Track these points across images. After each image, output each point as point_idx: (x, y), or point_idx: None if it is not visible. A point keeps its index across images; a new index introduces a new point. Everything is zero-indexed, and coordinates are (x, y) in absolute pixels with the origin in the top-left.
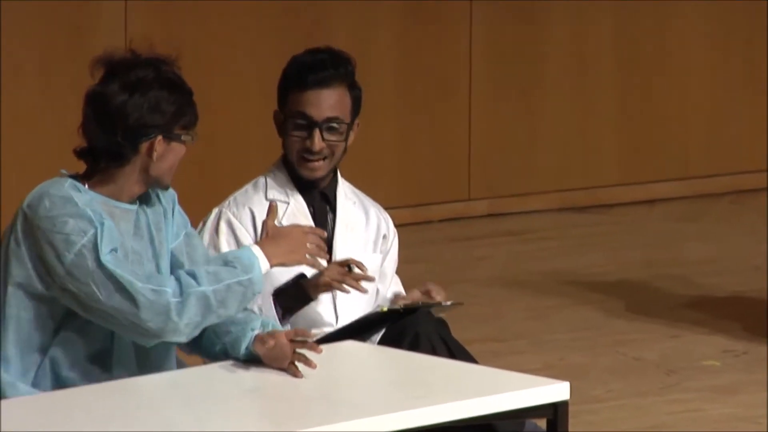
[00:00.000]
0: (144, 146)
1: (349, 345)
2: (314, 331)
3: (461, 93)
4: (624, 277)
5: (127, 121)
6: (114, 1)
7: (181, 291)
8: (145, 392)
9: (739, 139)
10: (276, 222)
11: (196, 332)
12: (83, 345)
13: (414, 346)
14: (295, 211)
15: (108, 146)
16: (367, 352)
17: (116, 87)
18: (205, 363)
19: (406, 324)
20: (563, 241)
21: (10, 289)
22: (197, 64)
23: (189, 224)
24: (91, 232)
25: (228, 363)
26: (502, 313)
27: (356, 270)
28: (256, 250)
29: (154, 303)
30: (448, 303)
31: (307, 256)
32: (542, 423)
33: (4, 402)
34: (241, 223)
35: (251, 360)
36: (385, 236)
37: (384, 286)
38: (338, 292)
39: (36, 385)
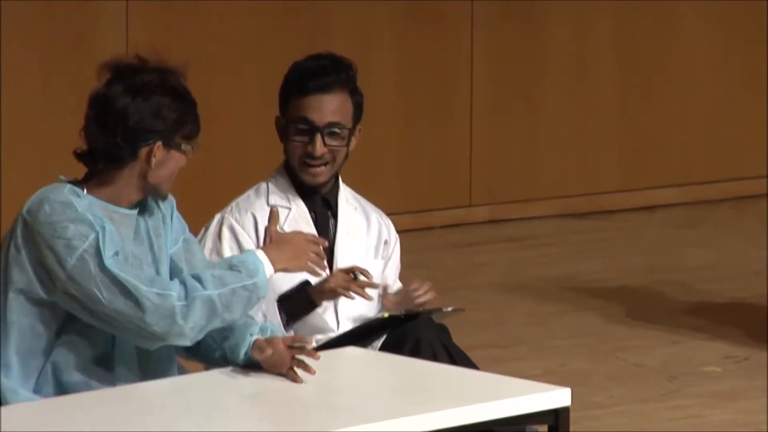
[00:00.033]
0: (143, 151)
1: (350, 351)
2: (317, 337)
3: (462, 99)
4: (625, 283)
5: (128, 123)
6: (115, 1)
7: (186, 294)
8: (145, 398)
9: (738, 146)
10: (278, 227)
11: (201, 336)
12: (84, 349)
13: (415, 352)
14: (297, 216)
15: (107, 148)
16: (368, 358)
17: (120, 89)
18: (206, 369)
19: (407, 330)
20: (564, 247)
21: (11, 295)
22: (198, 65)
23: (187, 230)
24: (92, 236)
25: (228, 369)
26: (503, 319)
27: (361, 277)
28: (261, 255)
29: (159, 306)
30: (449, 309)
31: (309, 263)
32: (543, 429)
33: (4, 408)
34: (243, 228)
35: (251, 365)
36: (386, 242)
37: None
38: (340, 299)
39: (38, 390)
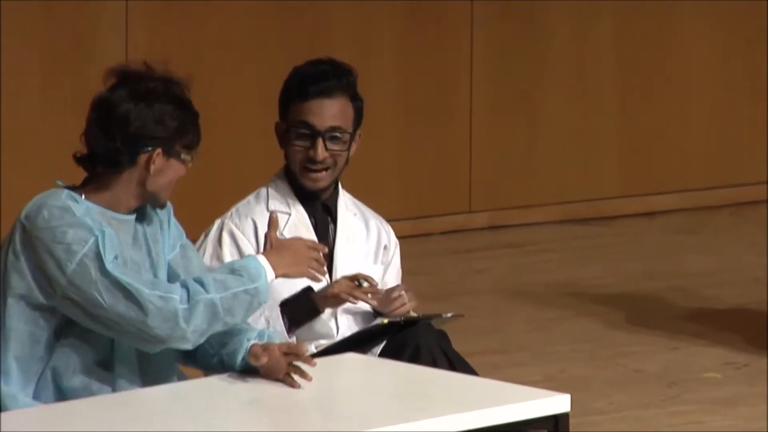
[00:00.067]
0: (142, 158)
1: (350, 357)
2: (317, 342)
3: (462, 101)
4: (625, 289)
5: (129, 128)
6: (115, 1)
7: (189, 297)
8: (145, 404)
9: (738, 152)
10: (278, 233)
11: (202, 339)
12: (84, 354)
13: (415, 358)
14: (297, 222)
15: (107, 152)
16: (368, 364)
17: (124, 94)
18: (205, 374)
19: (406, 336)
20: (564, 253)
21: (10, 301)
22: (197, 65)
23: (184, 236)
24: (92, 240)
25: (228, 375)
26: (503, 325)
27: (365, 284)
28: (262, 260)
29: (162, 310)
30: (449, 315)
31: (309, 269)
32: None
33: (4, 414)
34: (243, 234)
35: (249, 371)
36: (386, 247)
37: None
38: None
39: (37, 396)
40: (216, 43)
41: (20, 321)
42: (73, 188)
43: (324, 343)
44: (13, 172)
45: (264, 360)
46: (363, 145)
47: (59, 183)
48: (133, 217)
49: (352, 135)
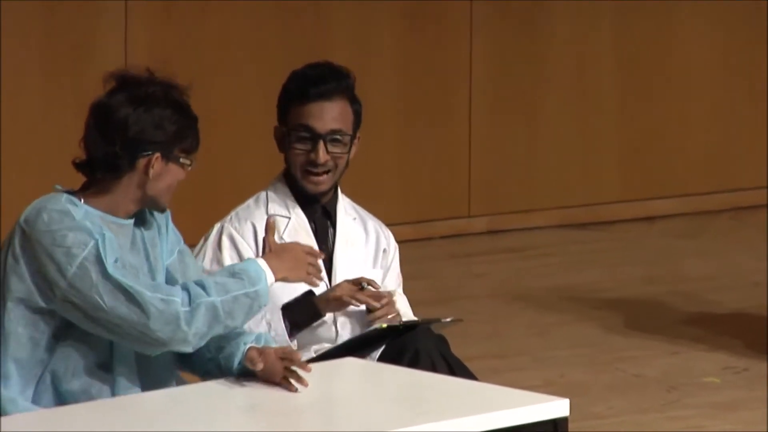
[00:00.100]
0: (141, 162)
1: (349, 362)
2: (316, 347)
3: (462, 106)
4: (624, 294)
5: (128, 133)
6: (115, 1)
7: (190, 301)
8: (145, 408)
9: (738, 156)
10: (277, 237)
11: (202, 342)
12: (83, 358)
13: (414, 362)
14: (297, 226)
15: (106, 157)
16: (367, 368)
17: (122, 99)
18: (203, 379)
19: (405, 341)
20: (563, 257)
21: (10, 305)
22: (197, 65)
23: (182, 241)
24: (92, 243)
25: (227, 379)
26: (503, 330)
27: (368, 288)
28: (262, 263)
29: (164, 312)
30: (448, 320)
31: (308, 274)
32: None
33: (4, 419)
34: (243, 237)
35: (247, 375)
36: (385, 250)
37: None
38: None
39: (36, 400)
40: (216, 43)
41: (19, 324)
42: (72, 192)
43: (323, 347)
44: (13, 172)
45: (260, 366)
46: (362, 149)
47: (58, 187)
48: (131, 221)
49: (352, 137)
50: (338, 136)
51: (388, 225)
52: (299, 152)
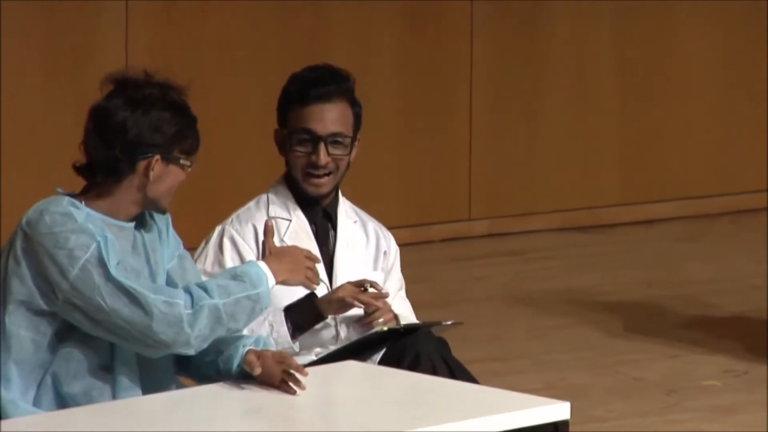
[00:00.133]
0: (141, 164)
1: (350, 365)
2: (317, 350)
3: (462, 106)
4: (624, 297)
5: (127, 136)
6: (115, 1)
7: (193, 303)
8: (145, 412)
9: (738, 160)
10: (278, 239)
11: (204, 345)
12: (84, 360)
13: (414, 365)
14: (297, 228)
15: (106, 160)
16: (368, 371)
17: (120, 102)
18: (201, 383)
19: (406, 343)
20: (564, 261)
21: (11, 308)
22: (197, 66)
23: (182, 246)
24: (94, 246)
25: (227, 382)
26: (503, 333)
27: (371, 289)
28: (263, 266)
29: (167, 315)
30: (449, 323)
31: (306, 278)
32: None
33: (4, 422)
34: (244, 239)
35: (247, 378)
36: (385, 253)
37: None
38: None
39: (37, 402)
40: (216, 42)
41: (21, 327)
42: (73, 195)
43: (325, 350)
44: (13, 173)
45: (258, 371)
46: (362, 151)
47: (59, 190)
48: (132, 224)
49: (353, 139)
50: (339, 139)
51: (388, 228)
52: (300, 155)
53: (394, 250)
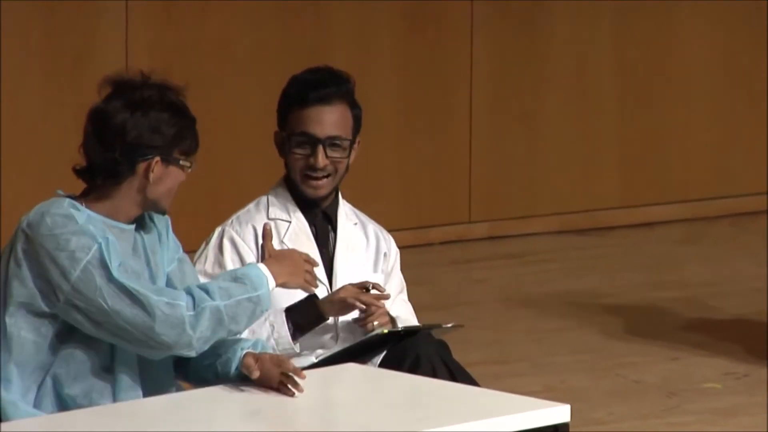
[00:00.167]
0: (141, 166)
1: (350, 367)
2: (317, 352)
3: (462, 112)
4: (624, 300)
5: (126, 138)
6: (115, 1)
7: (195, 304)
8: (146, 414)
9: (739, 162)
10: (278, 241)
11: (206, 347)
12: (85, 362)
13: (415, 367)
14: (297, 230)
15: (105, 163)
16: (368, 374)
17: (119, 104)
18: (199, 386)
19: (406, 346)
20: (563, 263)
21: (11, 309)
22: (198, 65)
23: (181, 249)
24: (95, 247)
25: (227, 385)
26: (503, 336)
27: (373, 291)
28: (263, 268)
29: (169, 316)
30: (449, 325)
31: (305, 281)
32: None
33: (4, 424)
34: (244, 240)
35: (247, 380)
36: (385, 254)
37: (387, 306)
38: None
39: (38, 404)
40: (216, 42)
41: (22, 328)
42: (73, 197)
43: (324, 352)
44: (13, 173)
45: (256, 374)
46: (362, 153)
47: (60, 192)
48: (133, 226)
49: (352, 142)
50: (337, 142)
51: (388, 230)
52: (299, 157)
53: (395, 252)
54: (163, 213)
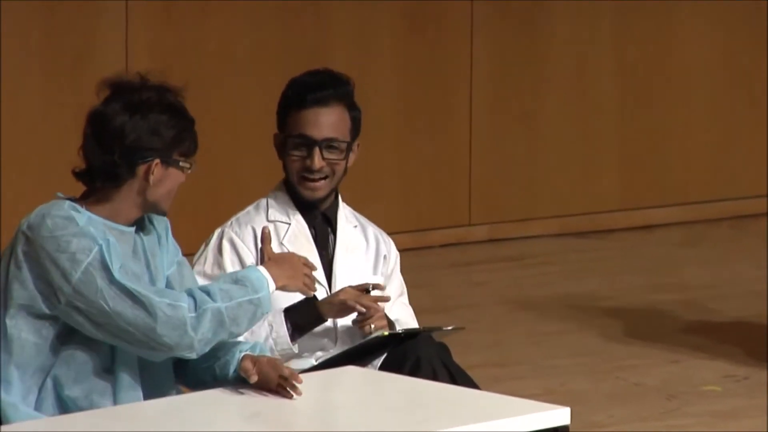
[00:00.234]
0: (141, 169)
1: (350, 370)
2: (317, 354)
3: (462, 112)
4: (624, 303)
5: (125, 141)
6: (115, 1)
7: (196, 306)
8: (146, 417)
9: (739, 165)
10: (277, 243)
11: (207, 349)
12: (85, 363)
13: (415, 370)
14: (297, 232)
15: (105, 166)
16: (368, 377)
17: (118, 107)
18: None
19: (407, 349)
20: (563, 266)
21: (12, 311)
22: (198, 65)
23: (180, 253)
24: (96, 249)
25: (227, 387)
26: (503, 339)
27: (374, 291)
28: (263, 271)
29: (171, 318)
30: (450, 328)
31: (304, 284)
32: None
33: (5, 427)
34: (243, 242)
35: (244, 382)
36: (385, 257)
37: (386, 310)
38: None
39: (39, 406)
40: (216, 42)
41: (22, 330)
42: (74, 200)
43: (324, 355)
44: (13, 173)
45: (254, 378)
46: (363, 154)
47: (60, 195)
48: (133, 229)
49: (350, 144)
50: (334, 144)
51: (388, 233)
52: (295, 159)
53: (394, 255)
54: (163, 214)
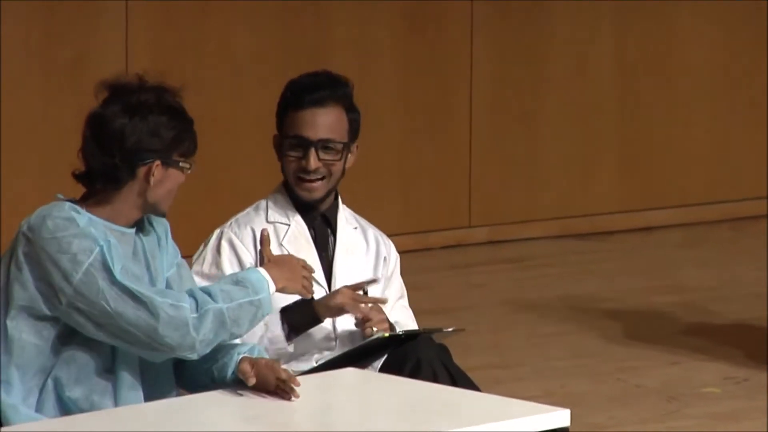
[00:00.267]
0: (141, 170)
1: (350, 372)
2: (316, 356)
3: (462, 112)
4: (624, 304)
5: (125, 143)
6: (115, 1)
7: (198, 307)
8: (146, 419)
9: (738, 167)
10: (277, 244)
11: (208, 350)
12: (86, 364)
13: (416, 372)
14: (297, 233)
15: (105, 168)
16: (368, 378)
17: (117, 109)
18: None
19: (407, 350)
20: (563, 268)
21: (13, 313)
22: (198, 65)
23: (179, 255)
24: (97, 250)
25: (228, 389)
26: (503, 340)
27: (370, 290)
28: (264, 273)
29: (174, 318)
30: (450, 329)
31: (302, 287)
32: None
33: (5, 428)
34: (242, 243)
35: (242, 383)
36: (385, 259)
37: (386, 311)
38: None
39: (39, 407)
40: (216, 42)
41: (23, 331)
42: (74, 201)
43: (323, 356)
44: (13, 173)
45: (252, 381)
46: (363, 160)
47: (60, 196)
48: (133, 230)
49: (347, 146)
50: (330, 145)
51: (388, 235)
52: (292, 159)
53: (394, 257)
54: (163, 215)
